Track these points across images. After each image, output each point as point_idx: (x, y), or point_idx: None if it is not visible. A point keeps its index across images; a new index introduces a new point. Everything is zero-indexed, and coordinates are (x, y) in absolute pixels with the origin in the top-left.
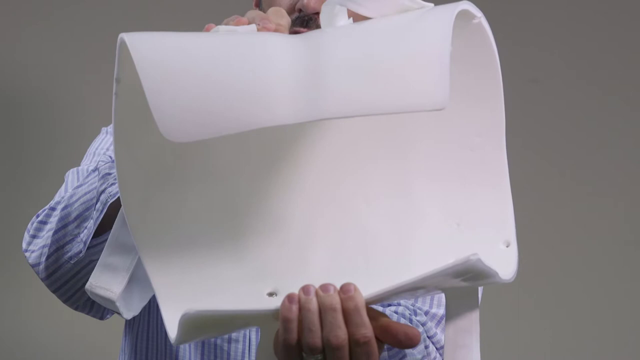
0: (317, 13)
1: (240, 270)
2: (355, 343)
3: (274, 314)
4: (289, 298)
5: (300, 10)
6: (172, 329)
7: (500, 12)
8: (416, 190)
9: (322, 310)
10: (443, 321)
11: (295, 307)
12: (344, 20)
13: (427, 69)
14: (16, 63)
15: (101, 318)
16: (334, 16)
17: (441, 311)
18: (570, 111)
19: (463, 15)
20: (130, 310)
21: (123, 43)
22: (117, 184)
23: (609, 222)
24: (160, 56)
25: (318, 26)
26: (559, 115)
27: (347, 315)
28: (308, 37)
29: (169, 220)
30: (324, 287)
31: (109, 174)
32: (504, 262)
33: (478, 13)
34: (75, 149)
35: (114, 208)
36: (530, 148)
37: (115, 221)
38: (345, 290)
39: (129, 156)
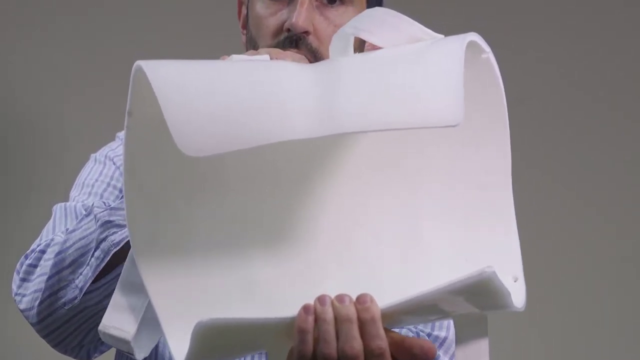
0: (306, 32)
1: (250, 304)
2: (370, 354)
3: (288, 328)
4: (305, 309)
5: (288, 30)
6: (179, 353)
7: (486, 32)
8: (424, 227)
9: (338, 321)
10: (445, 343)
11: (311, 318)
12: (351, 51)
13: (441, 86)
14: None
15: (88, 359)
16: (343, 48)
17: (443, 333)
18: (557, 131)
19: (473, 48)
20: (141, 351)
21: (138, 71)
22: (119, 232)
23: (603, 239)
24: (174, 75)
25: (307, 46)
26: (546, 135)
27: (363, 326)
28: (321, 63)
29: (176, 252)
30: (340, 298)
31: (109, 221)
32: (512, 295)
33: (487, 48)
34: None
35: (116, 254)
36: (519, 166)
37: (126, 261)
38: (361, 302)
39: (138, 189)
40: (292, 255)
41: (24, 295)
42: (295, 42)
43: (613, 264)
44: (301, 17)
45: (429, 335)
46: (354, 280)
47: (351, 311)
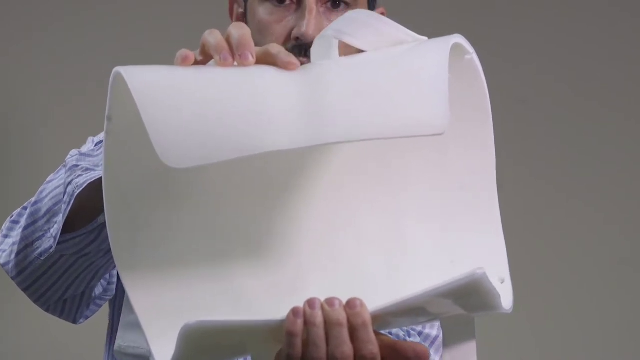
0: None
1: (234, 311)
2: (362, 359)
3: (275, 331)
4: (294, 312)
5: (297, 38)
6: (163, 357)
7: (488, 31)
8: (408, 229)
9: (328, 325)
10: (437, 342)
11: (300, 322)
12: (335, 55)
13: (426, 94)
14: None
15: (74, 322)
16: (325, 51)
17: (434, 332)
18: (558, 131)
19: (456, 49)
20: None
21: (117, 77)
22: (84, 175)
23: (601, 241)
24: (155, 84)
25: None
26: (547, 136)
27: (354, 331)
28: (304, 68)
29: (159, 260)
30: (330, 302)
31: (77, 165)
32: None
33: (470, 49)
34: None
35: (87, 200)
36: (520, 166)
37: None
38: (352, 306)
39: (118, 196)
40: (276, 263)
41: (4, 251)
42: (305, 51)
43: (612, 265)
44: (311, 26)
45: (420, 333)
46: (338, 286)
47: (342, 315)
